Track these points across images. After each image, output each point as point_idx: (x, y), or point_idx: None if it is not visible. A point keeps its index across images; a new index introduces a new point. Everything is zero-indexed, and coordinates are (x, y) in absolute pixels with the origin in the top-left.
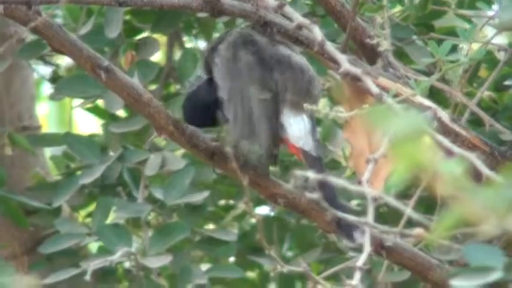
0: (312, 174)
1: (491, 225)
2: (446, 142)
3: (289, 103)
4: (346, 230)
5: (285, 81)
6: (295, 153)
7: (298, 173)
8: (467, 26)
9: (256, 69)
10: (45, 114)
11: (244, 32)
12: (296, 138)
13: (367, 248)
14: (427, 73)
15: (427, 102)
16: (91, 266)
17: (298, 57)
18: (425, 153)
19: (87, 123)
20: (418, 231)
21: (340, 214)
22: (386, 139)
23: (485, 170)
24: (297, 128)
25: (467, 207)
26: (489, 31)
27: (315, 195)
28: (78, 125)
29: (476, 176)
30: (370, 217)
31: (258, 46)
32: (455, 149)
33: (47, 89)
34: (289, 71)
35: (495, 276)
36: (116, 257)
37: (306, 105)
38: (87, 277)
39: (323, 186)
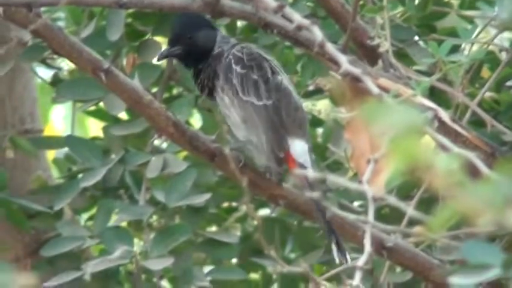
0: (311, 173)
1: (487, 221)
2: (446, 142)
3: (289, 127)
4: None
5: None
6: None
7: (298, 171)
8: (469, 26)
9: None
10: (63, 117)
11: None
12: (298, 154)
13: (368, 248)
14: (430, 74)
15: (428, 103)
16: (90, 266)
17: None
18: (422, 147)
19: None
20: (417, 228)
21: (342, 213)
22: (387, 139)
23: (485, 169)
24: (299, 146)
25: (463, 202)
26: (493, 32)
27: (315, 194)
28: (91, 127)
29: (474, 174)
30: (370, 216)
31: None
32: (456, 149)
33: None
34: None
35: (493, 273)
36: (115, 256)
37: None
38: (87, 277)
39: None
